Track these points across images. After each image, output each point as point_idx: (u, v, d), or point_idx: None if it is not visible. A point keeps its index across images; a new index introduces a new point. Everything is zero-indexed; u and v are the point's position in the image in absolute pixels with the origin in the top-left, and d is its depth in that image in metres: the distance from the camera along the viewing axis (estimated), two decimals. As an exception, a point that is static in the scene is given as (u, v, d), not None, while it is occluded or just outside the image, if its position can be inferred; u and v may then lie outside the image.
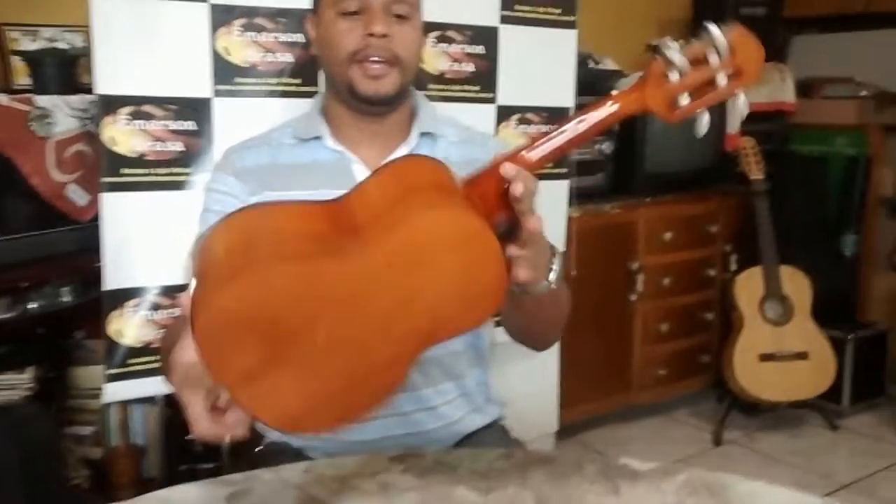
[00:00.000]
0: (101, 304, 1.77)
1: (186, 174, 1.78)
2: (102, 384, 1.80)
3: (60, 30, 2.10)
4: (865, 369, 3.14)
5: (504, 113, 2.11)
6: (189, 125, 1.77)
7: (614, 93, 0.92)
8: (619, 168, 2.94)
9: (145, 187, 1.76)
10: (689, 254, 3.13)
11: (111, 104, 1.71)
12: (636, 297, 3.00)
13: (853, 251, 3.36)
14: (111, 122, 1.71)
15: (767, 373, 2.90)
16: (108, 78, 1.70)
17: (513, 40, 2.08)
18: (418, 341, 0.85)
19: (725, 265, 3.20)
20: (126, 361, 1.79)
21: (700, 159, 3.11)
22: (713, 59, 0.90)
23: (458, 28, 2.01)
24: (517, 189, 0.85)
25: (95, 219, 1.79)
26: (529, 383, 2.46)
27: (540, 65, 2.14)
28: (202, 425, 0.83)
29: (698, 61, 0.90)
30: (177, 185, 1.78)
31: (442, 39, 2.00)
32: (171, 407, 2.11)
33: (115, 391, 1.81)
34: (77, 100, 1.99)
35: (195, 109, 1.77)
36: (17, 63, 2.19)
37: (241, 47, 1.78)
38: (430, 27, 1.95)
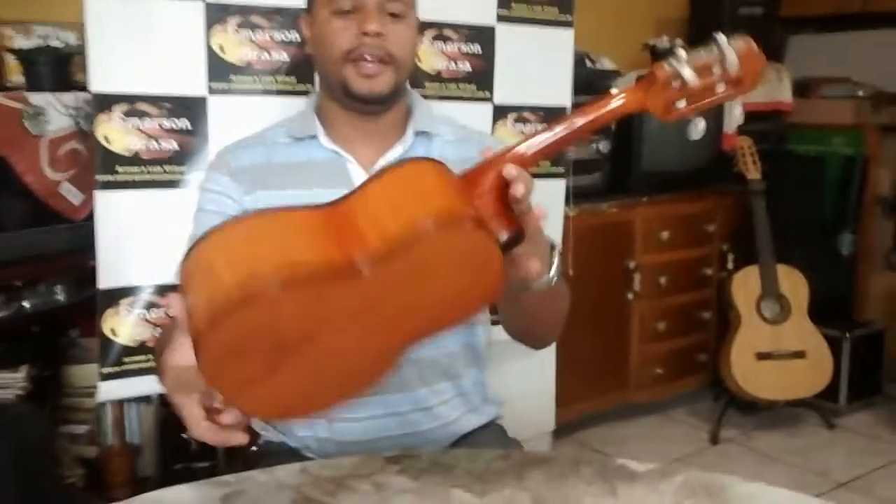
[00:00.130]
0: (95, 302, 1.76)
1: (181, 173, 1.77)
2: (97, 383, 1.79)
3: (54, 27, 2.09)
4: (862, 368, 3.14)
5: (500, 112, 2.10)
6: (184, 123, 1.76)
7: (614, 91, 0.92)
8: (616, 167, 2.94)
9: (140, 186, 1.75)
10: (686, 253, 3.13)
11: (105, 102, 1.70)
12: (633, 296, 3.00)
13: (850, 250, 3.36)
14: (105, 120, 1.71)
15: (764, 372, 2.89)
16: (102, 76, 1.69)
17: (509, 39, 2.07)
18: (413, 338, 0.87)
19: (722, 264, 3.20)
20: (121, 360, 1.79)
21: (697, 159, 3.10)
22: (717, 70, 0.91)
23: (455, 27, 2.00)
24: (518, 190, 0.85)
25: (90, 217, 1.78)
26: (526, 382, 2.45)
27: (537, 64, 2.13)
28: (200, 428, 0.83)
29: (703, 71, 0.90)
30: (171, 184, 1.77)
31: (438, 38, 1.99)
32: (167, 405, 2.11)
33: (110, 390, 1.80)
34: (71, 98, 1.98)
35: (190, 108, 1.76)
36: (11, 61, 2.17)
37: (236, 45, 1.77)
38: (426, 26, 1.94)
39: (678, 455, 2.85)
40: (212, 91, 1.77)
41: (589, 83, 2.75)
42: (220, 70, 1.77)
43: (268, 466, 1.06)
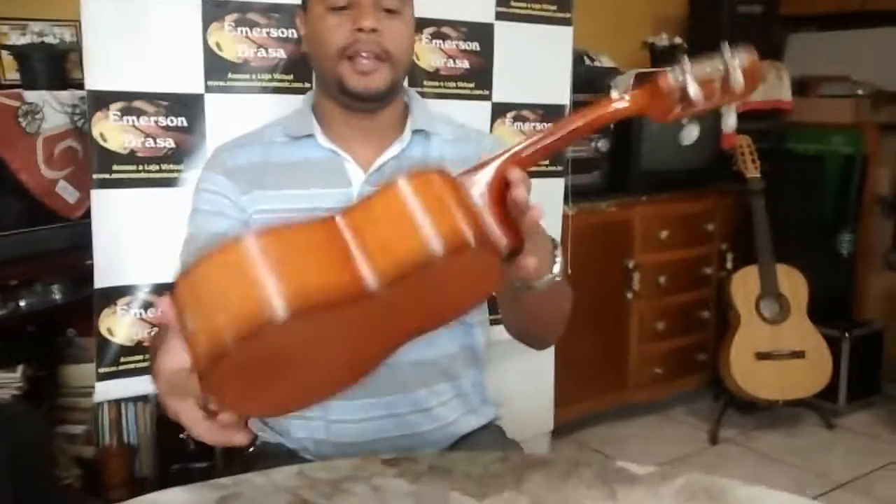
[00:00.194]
0: (92, 302, 1.75)
1: (178, 171, 1.76)
2: (94, 383, 1.78)
3: (50, 24, 2.08)
4: (861, 368, 3.13)
5: (499, 110, 2.09)
6: (180, 121, 1.75)
7: (614, 94, 0.91)
8: (616, 166, 2.92)
9: (136, 184, 1.74)
10: (686, 252, 3.12)
11: (101, 100, 1.69)
12: (632, 296, 2.99)
13: (849, 250, 3.35)
14: (101, 118, 1.69)
15: (764, 371, 2.88)
16: (98, 73, 1.68)
17: (508, 37, 2.06)
18: (410, 337, 0.88)
19: (722, 263, 3.19)
20: (118, 360, 1.78)
21: (696, 157, 3.09)
22: (719, 84, 0.89)
23: (453, 24, 1.99)
24: (521, 194, 0.84)
25: (86, 216, 1.78)
26: (525, 382, 2.44)
27: (535, 62, 2.12)
28: (201, 429, 0.82)
29: (706, 84, 0.89)
30: (168, 182, 1.76)
31: (437, 36, 1.98)
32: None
33: (107, 390, 1.79)
34: (67, 95, 1.97)
35: (187, 105, 1.75)
36: (6, 57, 2.17)
37: (233, 43, 1.76)
38: (424, 23, 1.93)
39: (677, 455, 2.84)
40: (209, 89, 1.76)
41: (588, 81, 2.75)
42: (217, 67, 1.75)
43: (265, 468, 1.05)
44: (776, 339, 2.90)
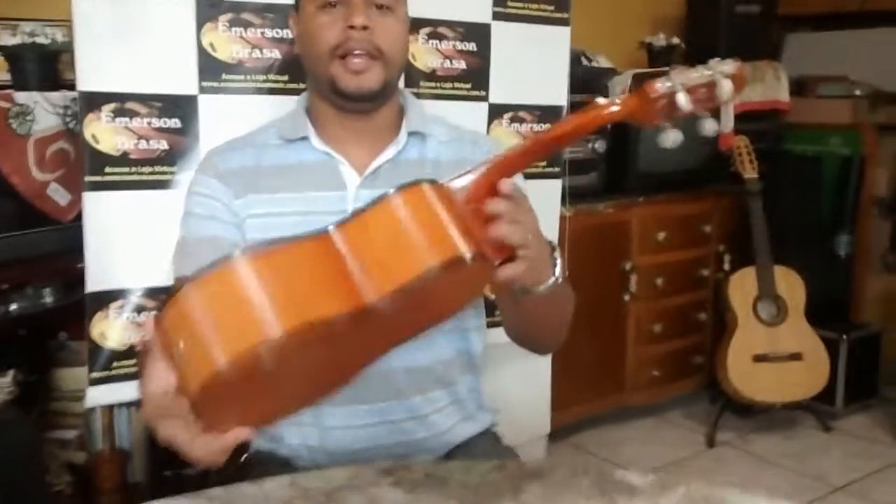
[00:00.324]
0: (84, 305, 1.73)
1: (171, 173, 1.74)
2: (86, 388, 1.76)
3: (41, 24, 2.05)
4: (859, 370, 3.12)
5: (496, 111, 2.08)
6: (174, 123, 1.73)
7: (601, 100, 0.91)
8: (613, 167, 2.91)
9: (129, 186, 1.71)
10: (683, 254, 3.10)
11: (94, 101, 1.67)
12: (629, 298, 2.97)
13: (847, 251, 3.34)
14: (94, 120, 1.67)
15: (761, 374, 2.87)
16: (90, 74, 1.66)
17: (505, 37, 2.05)
18: (402, 342, 0.89)
19: (719, 265, 3.18)
20: (110, 365, 1.75)
21: (694, 158, 3.08)
22: (704, 92, 0.91)
23: (450, 24, 1.98)
24: (497, 207, 0.87)
25: (78, 219, 1.75)
26: (521, 385, 2.43)
27: (533, 62, 2.11)
28: (194, 451, 0.80)
29: (693, 91, 0.90)
30: (161, 185, 1.73)
31: (433, 36, 1.96)
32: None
33: (99, 395, 1.77)
34: (58, 96, 1.95)
35: (180, 107, 1.73)
36: (-4, 57, 2.14)
37: (227, 43, 1.74)
38: (421, 23, 1.91)
39: (674, 458, 2.83)
40: (202, 90, 1.74)
41: (585, 81, 2.73)
42: (211, 68, 1.73)
43: (258, 476, 1.04)
44: (773, 342, 2.89)
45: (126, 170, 1.71)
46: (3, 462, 1.65)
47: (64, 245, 1.92)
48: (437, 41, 1.96)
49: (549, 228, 2.19)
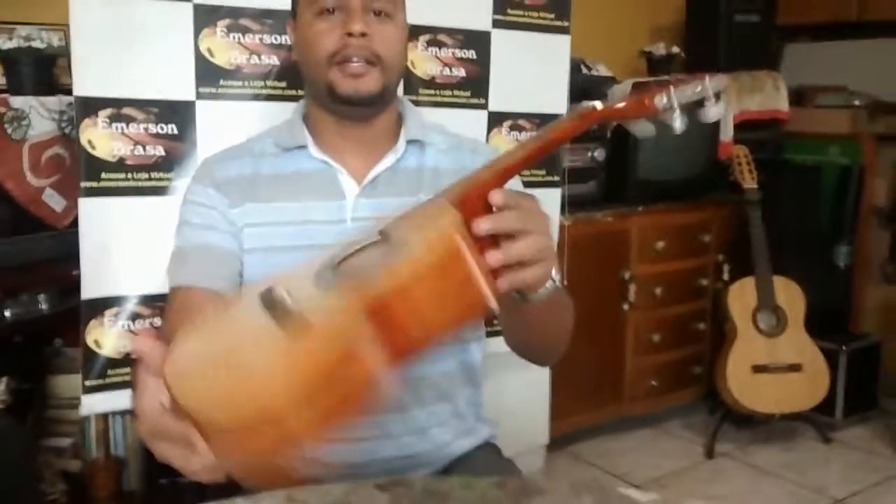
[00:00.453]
0: (79, 313, 1.71)
1: (168, 179, 1.72)
2: (80, 396, 1.74)
3: (38, 28, 2.04)
4: (858, 382, 3.10)
5: (495, 119, 2.06)
6: (171, 129, 1.71)
7: (598, 105, 0.92)
8: (612, 176, 2.90)
9: (125, 192, 1.70)
10: (682, 263, 3.09)
11: (90, 106, 1.65)
12: (628, 307, 2.96)
13: (847, 262, 3.33)
14: (90, 125, 1.65)
15: (760, 385, 2.85)
16: (86, 79, 1.64)
17: (505, 45, 2.04)
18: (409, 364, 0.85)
19: (718, 275, 3.16)
20: (105, 373, 1.73)
21: (693, 168, 3.07)
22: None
23: (449, 32, 1.96)
24: (485, 226, 0.84)
25: (73, 225, 1.74)
26: (521, 395, 2.42)
27: (532, 70, 2.10)
28: (194, 469, 0.78)
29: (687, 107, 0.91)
30: (158, 191, 1.72)
31: (432, 43, 1.95)
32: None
33: (94, 403, 1.75)
34: (54, 101, 1.93)
35: (177, 112, 1.71)
36: (-8, 62, 2.12)
37: (225, 49, 1.73)
38: (420, 30, 1.90)
39: (673, 469, 2.81)
40: (200, 96, 1.72)
41: (585, 90, 2.72)
42: (208, 74, 1.72)
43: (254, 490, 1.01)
44: (773, 352, 2.87)
45: (122, 176, 1.69)
46: (-5, 472, 1.64)
47: (59, 251, 1.90)
48: (437, 48, 1.95)
49: (549, 237, 2.18)
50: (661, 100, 0.89)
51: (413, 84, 1.92)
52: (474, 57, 2.01)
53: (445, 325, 0.78)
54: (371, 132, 1.25)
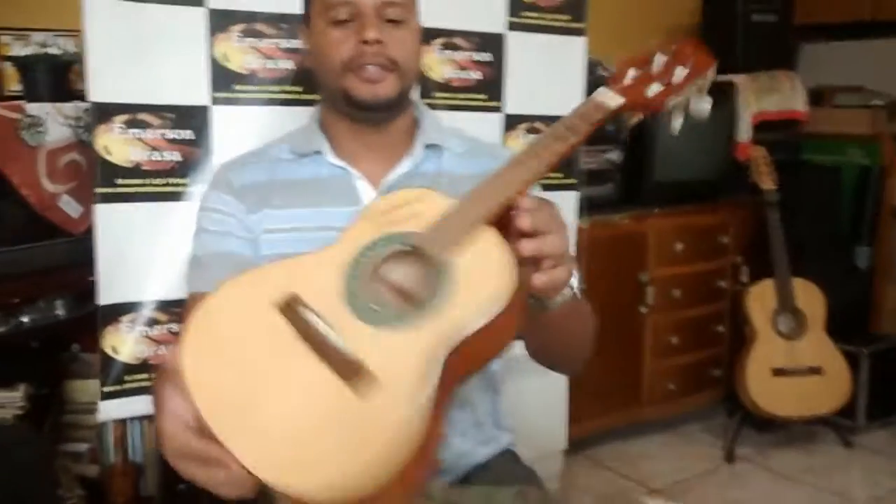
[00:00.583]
0: (95, 318, 1.71)
1: (184, 185, 1.72)
2: (98, 401, 1.74)
3: (53, 34, 2.05)
4: (881, 385, 3.06)
5: (511, 122, 2.05)
6: (186, 134, 1.71)
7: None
8: (629, 177, 2.89)
9: (141, 198, 1.69)
10: (700, 265, 3.06)
11: (105, 112, 1.65)
12: (646, 310, 2.94)
13: (867, 263, 3.29)
14: (105, 131, 1.65)
15: (780, 388, 2.83)
16: (101, 85, 1.64)
17: (520, 47, 2.02)
18: None
19: (736, 277, 3.13)
20: (122, 379, 1.73)
21: (710, 169, 3.05)
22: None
23: (465, 35, 1.95)
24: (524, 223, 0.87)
25: (89, 231, 1.73)
26: (538, 400, 2.40)
27: (548, 72, 2.08)
28: (224, 490, 0.76)
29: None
30: (174, 196, 1.71)
31: (448, 46, 1.94)
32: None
33: (111, 409, 1.75)
34: (70, 107, 1.94)
35: (193, 118, 1.71)
36: (8, 69, 2.13)
37: (240, 54, 1.72)
38: (435, 34, 1.89)
39: (693, 473, 2.79)
40: (215, 101, 1.72)
41: (601, 92, 2.70)
42: (223, 79, 1.71)
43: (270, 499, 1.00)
44: (793, 355, 2.84)
45: (138, 181, 1.69)
46: (13, 480, 1.63)
47: (75, 257, 1.90)
48: (452, 51, 1.94)
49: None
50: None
51: (428, 87, 1.91)
52: (490, 60, 1.99)
53: (498, 353, 0.84)
54: (387, 137, 1.24)
